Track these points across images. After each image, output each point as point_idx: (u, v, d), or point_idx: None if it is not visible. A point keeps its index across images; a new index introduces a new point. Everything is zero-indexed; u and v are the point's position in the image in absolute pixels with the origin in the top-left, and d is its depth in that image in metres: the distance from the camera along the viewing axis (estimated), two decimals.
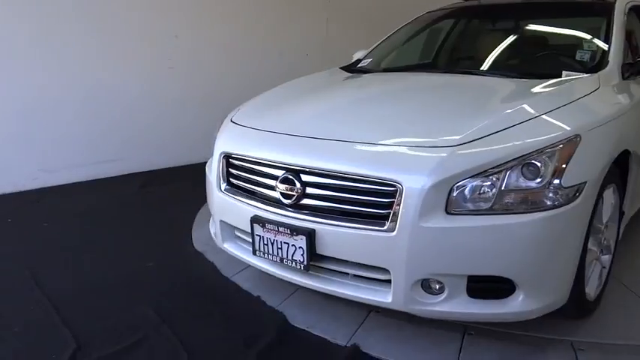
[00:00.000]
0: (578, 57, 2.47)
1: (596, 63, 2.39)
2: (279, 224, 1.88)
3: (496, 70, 2.58)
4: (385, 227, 1.70)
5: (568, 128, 1.79)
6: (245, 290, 2.37)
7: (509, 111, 1.90)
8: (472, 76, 2.50)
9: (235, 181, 2.15)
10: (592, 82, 2.17)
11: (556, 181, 1.68)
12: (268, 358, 1.88)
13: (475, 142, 1.72)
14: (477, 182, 1.67)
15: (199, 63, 4.50)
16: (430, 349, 1.91)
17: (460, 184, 1.66)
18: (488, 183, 1.67)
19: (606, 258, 2.19)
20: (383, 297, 1.78)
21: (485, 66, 2.68)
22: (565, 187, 1.69)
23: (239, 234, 2.19)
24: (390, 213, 1.69)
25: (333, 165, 1.80)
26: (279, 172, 1.92)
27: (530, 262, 1.67)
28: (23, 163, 3.83)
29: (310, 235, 1.81)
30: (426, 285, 1.74)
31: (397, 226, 1.67)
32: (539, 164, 1.68)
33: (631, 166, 2.22)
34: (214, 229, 2.32)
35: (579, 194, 1.72)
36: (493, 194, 1.67)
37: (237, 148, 2.14)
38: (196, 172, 2.38)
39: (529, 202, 1.67)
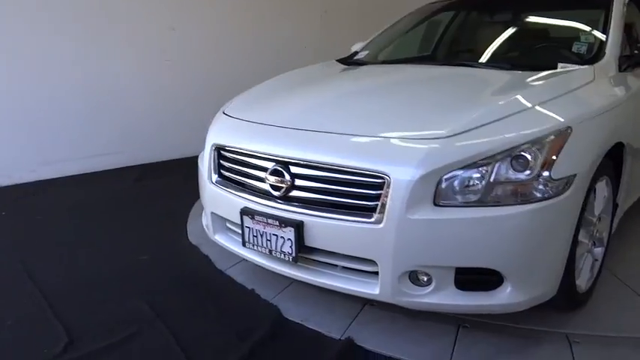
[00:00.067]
0: (574, 49, 2.45)
1: (593, 55, 2.36)
2: (268, 216, 1.88)
3: (492, 62, 2.56)
4: (373, 219, 1.69)
5: (559, 120, 1.77)
6: (239, 283, 2.37)
7: (500, 103, 1.89)
8: (468, 68, 2.49)
9: (226, 173, 2.15)
10: (587, 74, 2.15)
11: (545, 173, 1.67)
12: (262, 351, 1.88)
13: (464, 133, 1.71)
14: (465, 174, 1.66)
15: (196, 56, 4.49)
16: (425, 342, 1.91)
17: (448, 175, 1.65)
18: (477, 175, 1.66)
19: (599, 250, 2.18)
20: (371, 289, 1.78)
21: (481, 58, 2.65)
22: (555, 180, 1.67)
23: (230, 226, 2.19)
24: (377, 205, 1.69)
25: (321, 157, 1.80)
26: (269, 164, 1.92)
27: (519, 254, 1.67)
28: (19, 156, 3.84)
29: (298, 226, 1.81)
30: (413, 277, 1.74)
31: (384, 218, 1.67)
32: (528, 156, 1.67)
33: (625, 159, 2.20)
34: (206, 221, 2.33)
35: (569, 186, 1.70)
36: (482, 186, 1.66)
37: (228, 140, 2.14)
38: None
39: (518, 194, 1.66)
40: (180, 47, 4.39)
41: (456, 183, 1.66)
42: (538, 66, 2.26)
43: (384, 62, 2.92)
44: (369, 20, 4.39)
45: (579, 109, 1.89)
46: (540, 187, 1.66)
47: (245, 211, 1.96)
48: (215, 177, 2.18)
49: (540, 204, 1.65)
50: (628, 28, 2.66)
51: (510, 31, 2.86)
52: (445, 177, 1.65)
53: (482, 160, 1.65)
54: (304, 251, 1.86)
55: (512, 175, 1.67)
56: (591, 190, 1.88)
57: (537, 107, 1.85)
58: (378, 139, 1.79)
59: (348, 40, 3.33)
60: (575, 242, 1.82)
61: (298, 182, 1.85)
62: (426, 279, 1.73)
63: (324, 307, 2.14)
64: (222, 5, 4.56)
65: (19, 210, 3.39)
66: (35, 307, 2.21)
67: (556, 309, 2.00)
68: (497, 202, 1.65)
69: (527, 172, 1.66)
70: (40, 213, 3.32)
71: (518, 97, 1.91)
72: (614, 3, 2.54)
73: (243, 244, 2.00)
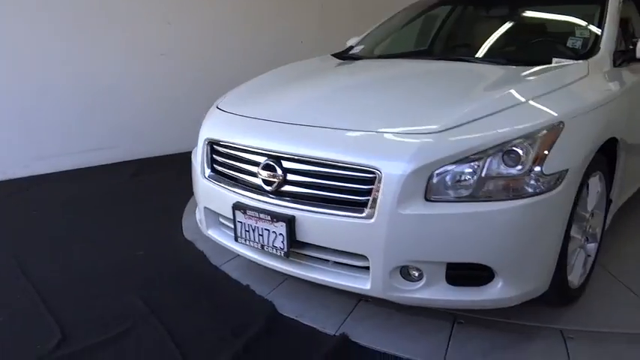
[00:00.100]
0: (569, 44, 2.44)
1: (588, 50, 2.35)
2: (260, 211, 1.88)
3: (487, 56, 2.55)
4: (364, 214, 1.69)
5: (551, 115, 1.77)
6: (234, 279, 2.36)
7: (492, 98, 1.88)
8: (463, 62, 2.48)
9: (219, 168, 2.15)
10: (580, 69, 2.14)
11: (537, 169, 1.66)
12: (257, 347, 1.88)
13: (455, 128, 1.70)
14: (456, 169, 1.65)
15: (191, 50, 4.47)
16: (419, 338, 1.90)
17: (439, 170, 1.65)
18: (469, 170, 1.66)
19: (592, 246, 2.18)
20: (362, 284, 1.78)
21: (477, 53, 2.64)
22: (546, 175, 1.67)
23: (223, 221, 2.19)
24: (368, 200, 1.68)
25: (312, 151, 1.79)
26: (261, 159, 1.91)
27: (510, 249, 1.67)
28: (13, 151, 3.83)
29: (290, 221, 1.81)
30: (404, 272, 1.73)
31: (376, 212, 1.66)
32: (520, 151, 1.66)
33: (619, 154, 2.20)
34: (199, 215, 2.33)
35: (561, 182, 1.70)
36: (473, 181, 1.65)
37: (220, 134, 2.14)
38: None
39: (510, 190, 1.66)
40: (176, 41, 4.37)
41: (447, 178, 1.66)
42: (533, 61, 2.26)
43: (379, 57, 2.90)
44: (367, 15, 4.36)
45: (572, 104, 1.88)
46: (532, 182, 1.66)
47: (237, 206, 1.95)
48: (208, 171, 2.17)
49: (532, 199, 1.65)
50: (624, 24, 2.66)
51: (506, 25, 2.85)
52: (436, 172, 1.64)
53: (473, 155, 1.65)
54: (296, 246, 1.85)
55: (504, 170, 1.66)
56: (584, 185, 1.88)
57: (530, 102, 1.84)
58: (370, 133, 1.78)
59: (345, 35, 3.31)
60: (567, 238, 1.82)
61: (290, 177, 1.85)
62: (417, 274, 1.73)
63: (318, 302, 2.14)
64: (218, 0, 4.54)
65: (13, 205, 3.39)
66: (28, 302, 2.20)
67: (548, 304, 2.00)
68: (488, 198, 1.65)
69: (519, 167, 1.65)
70: (34, 208, 3.31)
71: (511, 91, 1.90)
72: None
73: (236, 239, 2.00)
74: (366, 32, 3.21)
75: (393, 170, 1.64)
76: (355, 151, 1.73)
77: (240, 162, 2.03)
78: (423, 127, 1.73)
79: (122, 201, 3.46)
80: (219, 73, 4.43)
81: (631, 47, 2.38)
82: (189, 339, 1.93)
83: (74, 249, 2.71)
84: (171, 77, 4.41)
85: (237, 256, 2.31)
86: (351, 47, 3.10)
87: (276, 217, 1.84)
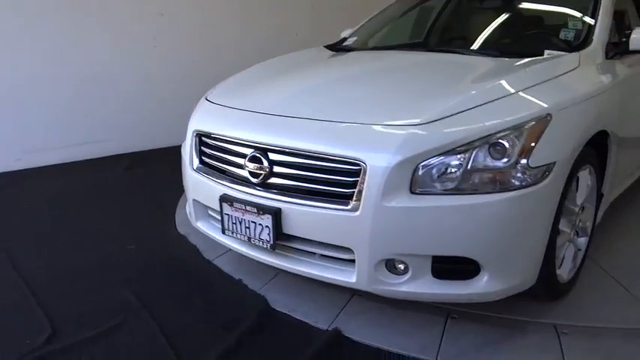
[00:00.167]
0: (562, 36, 2.42)
1: (581, 42, 2.33)
2: (246, 203, 1.87)
3: (481, 48, 2.53)
4: (349, 207, 1.68)
5: (538, 107, 1.75)
6: (226, 273, 2.35)
7: (479, 89, 1.87)
8: (455, 54, 2.46)
9: (207, 160, 2.14)
10: (571, 61, 2.12)
11: (523, 161, 1.65)
12: (248, 342, 1.86)
13: (441, 120, 1.69)
14: (442, 161, 1.64)
15: (184, 42, 4.43)
16: (412, 333, 1.89)
17: (425, 163, 1.63)
18: (455, 162, 1.64)
19: (582, 240, 2.17)
20: (348, 277, 1.77)
21: (469, 45, 2.63)
22: (533, 168, 1.66)
23: (212, 213, 2.18)
24: (353, 192, 1.67)
25: (298, 143, 1.78)
26: (248, 151, 1.90)
27: (496, 243, 1.65)
28: (6, 144, 3.80)
29: (276, 214, 1.80)
30: (390, 265, 1.72)
31: (361, 205, 1.65)
32: (506, 144, 1.65)
33: (610, 148, 2.18)
34: (189, 208, 2.32)
35: (548, 175, 1.68)
36: (459, 174, 1.64)
37: (208, 126, 2.13)
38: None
39: (496, 182, 1.64)
40: (169, 33, 4.33)
41: (432, 170, 1.64)
42: (525, 53, 2.24)
43: (371, 49, 2.89)
44: (363, 5, 4.33)
45: (560, 96, 1.86)
46: (518, 174, 1.65)
47: (224, 198, 1.94)
48: (196, 164, 2.16)
49: (518, 192, 1.64)
50: (619, 16, 2.63)
51: (500, 17, 2.82)
52: (422, 164, 1.63)
53: (459, 147, 1.63)
54: (282, 239, 1.84)
55: (490, 162, 1.65)
56: (572, 178, 1.87)
57: (517, 94, 1.82)
58: (356, 125, 1.77)
59: (341, 27, 3.28)
60: (555, 231, 1.81)
61: (277, 169, 1.84)
62: (402, 267, 1.72)
63: (311, 297, 2.13)
64: None
65: (5, 199, 3.37)
66: (19, 297, 2.18)
67: (536, 299, 2.00)
68: (474, 190, 1.64)
69: (505, 159, 1.64)
70: (26, 202, 3.30)
71: (499, 83, 1.89)
72: None
73: (223, 232, 2.00)
74: (360, 24, 3.19)
75: (377, 162, 1.63)
76: (340, 143, 1.71)
77: (227, 154, 2.02)
78: (409, 119, 1.72)
79: (115, 195, 3.44)
80: (213, 65, 4.40)
81: (624, 39, 2.35)
82: (181, 333, 1.92)
83: (65, 243, 2.70)
84: (164, 69, 4.38)
85: (230, 250, 2.31)
86: (345, 39, 3.08)
87: (262, 209, 1.83)
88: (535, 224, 1.72)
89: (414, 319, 1.97)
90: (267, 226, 1.83)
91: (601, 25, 2.34)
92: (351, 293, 2.12)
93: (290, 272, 1.95)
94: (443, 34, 3.12)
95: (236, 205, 1.90)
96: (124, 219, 3.01)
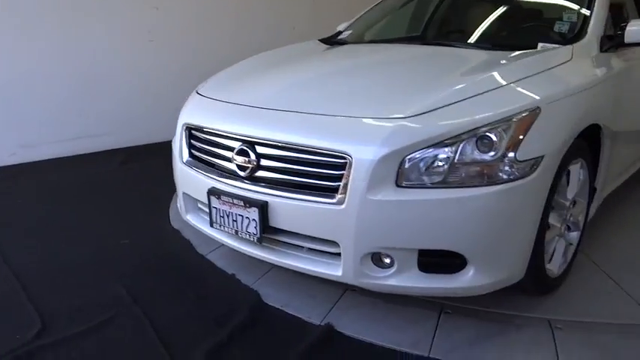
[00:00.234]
0: (556, 28, 2.39)
1: (575, 34, 2.30)
2: (233, 196, 1.86)
3: (474, 41, 2.52)
4: (335, 200, 1.67)
5: (527, 100, 1.73)
6: (219, 268, 2.34)
7: (468, 82, 1.85)
8: (449, 47, 2.45)
9: (196, 153, 2.13)
10: (564, 54, 2.09)
11: (511, 155, 1.63)
12: (241, 337, 1.86)
13: (428, 113, 1.67)
14: (428, 154, 1.63)
15: (180, 36, 4.41)
16: (406, 328, 1.89)
17: (411, 156, 1.62)
18: (441, 155, 1.63)
19: (574, 235, 2.15)
20: (334, 270, 1.76)
21: (464, 37, 2.61)
22: (520, 161, 1.64)
23: (201, 206, 2.18)
24: (339, 186, 1.66)
25: (285, 136, 1.77)
26: (236, 144, 1.90)
27: (482, 237, 1.64)
28: (0, 138, 3.79)
29: (263, 207, 1.79)
30: (376, 258, 1.72)
31: (346, 198, 1.64)
32: (493, 137, 1.63)
33: (603, 142, 2.16)
34: (179, 201, 2.32)
35: (536, 168, 1.67)
36: (446, 167, 1.63)
37: (198, 119, 2.12)
38: None
39: (483, 176, 1.63)
40: (164, 27, 4.31)
41: (419, 163, 1.63)
42: (520, 46, 2.22)
43: (366, 42, 2.87)
44: (362, 0, 4.30)
45: (550, 89, 1.84)
46: (506, 168, 1.63)
47: (212, 192, 1.94)
48: (186, 157, 2.16)
49: (505, 186, 1.62)
50: (617, 9, 2.60)
51: (497, 10, 2.79)
52: (408, 157, 1.62)
53: (446, 140, 1.62)
54: (269, 232, 1.84)
55: (478, 155, 1.63)
56: (562, 172, 1.85)
57: (507, 87, 1.81)
58: (342, 118, 1.75)
59: (339, 21, 3.26)
60: (543, 225, 1.79)
61: (264, 162, 1.83)
62: (388, 261, 1.71)
63: (304, 292, 2.12)
64: None
65: None
66: (9, 291, 2.17)
67: (525, 293, 1.99)
68: (461, 184, 1.62)
69: (492, 152, 1.62)
70: (20, 196, 3.29)
71: (488, 76, 1.87)
72: None
73: (211, 225, 1.99)
74: (355, 17, 3.17)
75: (363, 155, 1.62)
76: (326, 136, 1.70)
77: (215, 147, 2.01)
78: (396, 113, 1.70)
79: (110, 189, 3.44)
80: (209, 59, 4.37)
81: (619, 32, 2.32)
82: (172, 328, 1.91)
83: (58, 237, 2.69)
84: (160, 63, 4.36)
85: (224, 244, 2.31)
86: (340, 32, 3.06)
87: (249, 202, 1.82)
88: (523, 218, 1.70)
89: (407, 313, 1.96)
90: (253, 219, 1.82)
91: (596, 18, 2.32)
92: (344, 288, 2.10)
93: (283, 267, 1.94)
94: (437, 27, 3.10)
95: (223, 198, 1.90)
96: (118, 214, 3.01)
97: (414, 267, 1.68)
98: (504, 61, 2.04)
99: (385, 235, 1.65)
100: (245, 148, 1.85)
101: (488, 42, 2.44)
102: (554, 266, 2.02)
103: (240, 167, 1.87)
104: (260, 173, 1.84)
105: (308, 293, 2.11)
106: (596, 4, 2.36)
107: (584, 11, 2.38)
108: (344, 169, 1.65)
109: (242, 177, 1.87)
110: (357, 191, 1.62)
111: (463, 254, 1.65)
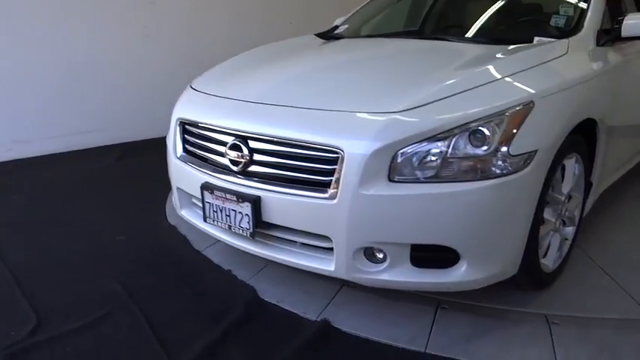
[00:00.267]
0: (552, 22, 2.38)
1: (572, 28, 2.29)
2: (226, 191, 1.86)
3: (471, 35, 2.50)
4: (327, 195, 1.66)
5: (521, 94, 1.72)
6: (216, 264, 2.34)
7: (462, 76, 1.84)
8: (444, 42, 2.42)
9: (190, 148, 2.13)
10: (559, 48, 2.08)
11: (504, 149, 1.62)
12: (236, 333, 1.85)
13: (421, 107, 1.66)
14: (421, 149, 1.62)
15: (176, 31, 4.39)
16: (402, 324, 1.88)
17: (403, 150, 1.61)
18: (434, 150, 1.62)
19: (569, 230, 2.15)
20: (326, 265, 1.76)
21: (461, 32, 2.60)
22: (513, 155, 1.63)
23: (195, 201, 2.17)
24: (331, 180, 1.65)
25: (277, 131, 1.76)
26: (229, 139, 1.89)
27: (475, 231, 1.63)
28: None
29: (255, 202, 1.78)
30: (369, 253, 1.71)
31: (338, 193, 1.64)
32: (486, 131, 1.62)
33: (599, 136, 2.14)
34: (174, 196, 2.31)
35: (529, 163, 1.66)
36: (438, 161, 1.62)
37: (191, 114, 2.11)
38: None
39: (476, 170, 1.62)
40: (161, 22, 4.29)
41: (411, 158, 1.62)
42: (515, 40, 2.20)
43: (361, 36, 2.85)
44: None
45: (544, 83, 1.82)
46: (499, 162, 1.62)
47: (205, 186, 1.93)
48: (180, 152, 2.16)
49: (499, 180, 1.61)
50: (615, 2, 2.58)
51: (494, 5, 2.78)
52: (400, 152, 1.61)
53: (439, 134, 1.61)
54: (262, 227, 1.83)
55: (470, 150, 1.62)
56: (557, 167, 1.84)
57: (500, 81, 1.79)
58: (335, 113, 1.74)
59: (336, 16, 3.25)
60: (537, 220, 1.78)
61: (257, 157, 1.82)
62: (381, 256, 1.70)
63: (300, 287, 2.11)
64: None
65: None
66: (4, 287, 2.17)
67: (519, 288, 1.98)
68: (453, 178, 1.62)
69: (485, 147, 1.61)
70: (15, 192, 3.27)
71: (482, 70, 1.86)
72: None
73: (205, 220, 1.99)
74: (352, 12, 3.15)
75: (355, 150, 1.61)
76: (318, 131, 1.69)
77: (209, 142, 2.00)
78: (388, 107, 1.69)
79: (106, 185, 3.43)
80: (205, 54, 4.36)
81: (616, 26, 2.30)
82: (168, 324, 1.90)
83: (54, 234, 2.68)
84: (156, 58, 4.34)
85: (219, 240, 2.30)
86: (336, 27, 3.05)
87: (242, 197, 1.82)
88: (516, 213, 1.69)
89: (403, 309, 1.96)
90: (246, 214, 1.82)
91: (593, 12, 2.30)
92: (340, 284, 2.10)
93: (279, 263, 1.93)
94: (434, 22, 3.08)
95: (217, 193, 1.89)
96: (114, 210, 3.00)
97: (406, 262, 1.68)
98: (499, 55, 2.02)
99: (377, 229, 1.64)
100: (238, 142, 1.85)
101: (484, 36, 2.43)
102: (548, 261, 2.01)
103: (233, 162, 1.87)
104: (253, 168, 1.83)
105: (304, 289, 2.11)
106: None
107: (582, 4, 2.37)
108: (336, 164, 1.65)
109: (235, 172, 1.87)
110: (350, 186, 1.62)
111: (456, 249, 1.65)
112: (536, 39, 2.19)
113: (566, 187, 2.00)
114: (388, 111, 1.67)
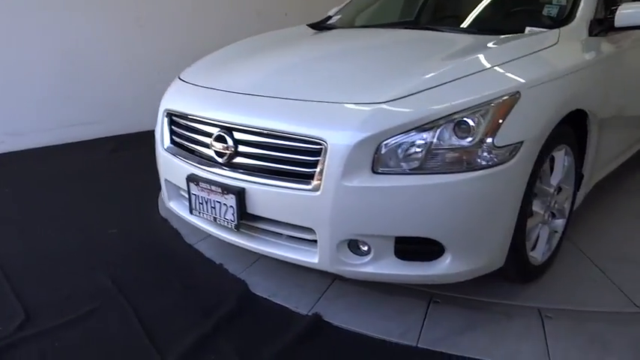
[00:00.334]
0: (545, 12, 2.34)
1: (564, 18, 2.25)
2: (211, 183, 1.85)
3: (462, 26, 2.46)
4: (310, 186, 1.65)
5: (507, 85, 1.69)
6: (207, 258, 2.33)
7: (448, 67, 1.81)
8: (435, 32, 2.39)
9: (177, 140, 2.12)
10: (550, 38, 2.04)
11: (489, 140, 1.60)
12: (227, 327, 1.84)
13: (405, 98, 1.64)
14: (405, 140, 1.60)
15: (170, 21, 4.36)
16: (394, 317, 1.87)
17: (387, 141, 1.59)
18: (419, 141, 1.60)
19: (559, 222, 2.13)
20: (310, 257, 1.75)
21: (454, 22, 2.56)
22: (499, 147, 1.61)
23: (182, 193, 2.16)
24: (315, 172, 1.64)
25: (261, 122, 1.75)
26: (214, 130, 1.87)
27: (460, 224, 1.62)
28: None
29: (240, 194, 1.77)
30: (353, 246, 1.70)
31: (322, 185, 1.62)
32: (471, 122, 1.60)
33: (590, 128, 2.12)
34: (162, 188, 2.31)
35: (515, 154, 1.64)
36: (422, 153, 1.60)
37: (178, 105, 2.10)
38: None
39: (461, 162, 1.60)
40: (155, 13, 4.26)
41: (395, 149, 1.60)
42: (507, 30, 2.17)
43: (353, 27, 2.82)
44: None
45: (532, 73, 1.79)
46: (484, 154, 1.60)
47: (191, 178, 1.92)
48: (167, 143, 2.15)
49: (484, 172, 1.60)
50: None
51: None
52: (384, 143, 1.59)
53: (423, 125, 1.59)
54: (247, 218, 1.83)
55: (455, 141, 1.60)
56: (545, 158, 1.82)
57: (487, 71, 1.77)
58: (318, 104, 1.73)
59: (330, 7, 3.21)
60: (524, 213, 1.77)
61: (241, 148, 1.81)
62: (365, 248, 1.69)
63: (292, 281, 2.10)
64: None
65: None
66: None
67: (507, 280, 1.97)
68: (438, 170, 1.60)
69: (470, 138, 1.59)
70: (8, 185, 3.26)
71: (469, 60, 1.83)
72: None
73: (191, 212, 1.98)
74: (345, 2, 3.12)
75: (338, 141, 1.59)
76: (302, 122, 1.68)
77: (195, 133, 1.99)
78: (373, 98, 1.67)
79: (99, 178, 3.41)
80: (199, 45, 4.31)
81: (610, 16, 2.27)
82: (158, 319, 1.89)
83: (45, 226, 2.67)
84: (151, 50, 4.31)
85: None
86: (329, 17, 3.02)
87: (226, 189, 1.80)
88: (502, 205, 1.68)
89: (395, 303, 1.94)
90: (231, 206, 1.81)
91: (585, 1, 2.26)
92: (332, 277, 2.08)
93: (265, 255, 1.92)
94: (427, 12, 3.05)
95: (202, 184, 1.88)
96: (107, 202, 2.99)
97: (390, 254, 1.67)
98: (488, 45, 2.00)
99: (361, 222, 1.63)
100: (223, 134, 1.83)
101: (475, 26, 2.39)
102: (537, 254, 2.00)
103: (218, 153, 1.85)
104: (238, 160, 1.82)
105: (296, 283, 2.10)
106: None
107: None
108: (319, 155, 1.63)
109: (220, 163, 1.86)
110: (333, 177, 1.60)
111: (440, 241, 1.63)
112: (527, 29, 2.15)
113: (555, 179, 1.98)
114: (372, 102, 1.65)
